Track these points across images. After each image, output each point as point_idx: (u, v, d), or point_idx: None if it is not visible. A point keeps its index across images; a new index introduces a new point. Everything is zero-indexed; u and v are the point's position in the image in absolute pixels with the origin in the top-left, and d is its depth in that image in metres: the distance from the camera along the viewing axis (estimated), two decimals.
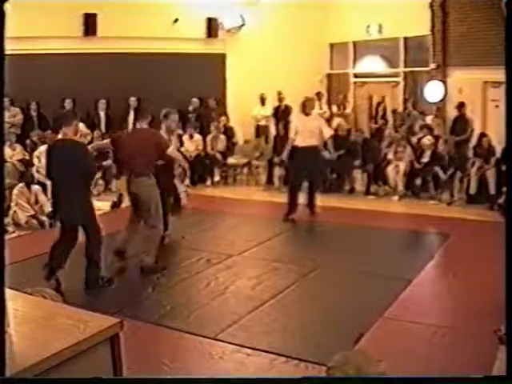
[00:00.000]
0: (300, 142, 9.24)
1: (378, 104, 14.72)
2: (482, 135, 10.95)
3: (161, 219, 7.20)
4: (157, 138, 7.16)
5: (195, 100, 13.53)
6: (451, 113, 12.79)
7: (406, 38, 14.51)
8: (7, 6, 2.20)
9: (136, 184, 7.02)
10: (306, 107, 9.44)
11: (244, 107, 14.00)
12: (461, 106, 12.29)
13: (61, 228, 6.48)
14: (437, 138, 11.43)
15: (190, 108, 13.49)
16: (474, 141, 11.49)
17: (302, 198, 9.45)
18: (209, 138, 13.11)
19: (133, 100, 12.62)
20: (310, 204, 9.48)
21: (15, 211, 9.30)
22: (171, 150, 7.18)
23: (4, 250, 2.22)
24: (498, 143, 10.22)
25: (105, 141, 8.71)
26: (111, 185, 11.83)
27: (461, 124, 12.11)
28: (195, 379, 2.02)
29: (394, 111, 13.91)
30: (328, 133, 9.71)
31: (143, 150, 6.89)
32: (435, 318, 5.76)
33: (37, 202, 9.49)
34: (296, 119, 9.83)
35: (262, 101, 14.16)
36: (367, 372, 1.67)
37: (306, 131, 9.21)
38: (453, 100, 12.90)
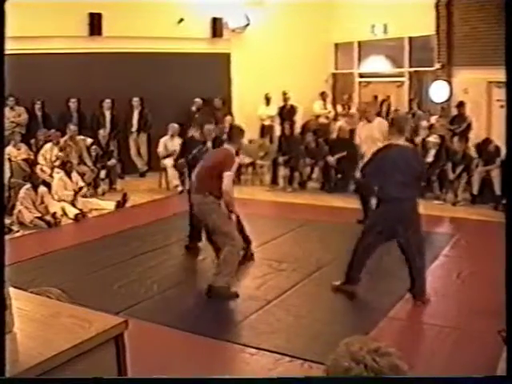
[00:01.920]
0: (367, 150, 8.51)
1: (382, 101, 14.72)
2: (487, 140, 10.95)
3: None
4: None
5: (198, 100, 13.52)
6: (456, 113, 12.78)
7: (410, 38, 14.49)
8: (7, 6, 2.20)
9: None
10: (366, 113, 9.19)
11: (249, 107, 14.00)
12: (460, 105, 12.35)
13: None
14: (442, 137, 11.42)
15: (193, 108, 13.50)
16: (472, 138, 11.56)
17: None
18: None
19: (136, 100, 12.63)
20: None
21: (20, 210, 9.32)
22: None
23: (4, 250, 2.21)
24: (503, 144, 10.20)
25: None
26: (116, 184, 11.85)
27: (459, 122, 12.18)
28: (199, 379, 2.02)
29: (396, 111, 13.87)
30: None
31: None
32: (439, 318, 5.75)
33: (42, 202, 9.51)
34: (358, 128, 9.42)
35: (267, 100, 14.16)
36: (372, 365, 1.66)
37: (369, 140, 8.70)
38: (458, 100, 12.88)
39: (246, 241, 7.51)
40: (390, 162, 5.91)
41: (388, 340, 5.09)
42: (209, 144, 8.02)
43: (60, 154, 10.84)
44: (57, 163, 10.69)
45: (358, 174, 6.51)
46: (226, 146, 6.53)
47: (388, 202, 5.96)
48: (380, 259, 6.99)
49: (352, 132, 12.49)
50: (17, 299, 2.39)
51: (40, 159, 10.85)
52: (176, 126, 12.03)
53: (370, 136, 8.78)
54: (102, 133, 11.92)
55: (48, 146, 11.01)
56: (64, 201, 9.92)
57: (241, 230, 7.41)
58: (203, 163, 6.50)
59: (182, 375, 4.60)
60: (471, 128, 12.11)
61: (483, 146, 10.87)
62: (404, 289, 6.37)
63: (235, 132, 6.66)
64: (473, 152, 11.05)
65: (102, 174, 11.59)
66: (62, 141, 11.19)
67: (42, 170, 10.59)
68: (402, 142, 6.10)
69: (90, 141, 11.61)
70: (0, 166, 2.55)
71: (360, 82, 15.79)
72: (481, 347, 4.80)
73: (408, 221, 5.96)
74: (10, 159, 10.40)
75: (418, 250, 6.03)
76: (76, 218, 9.70)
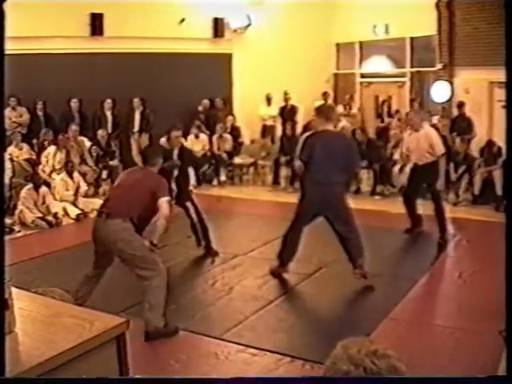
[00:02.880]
0: (415, 161, 8.55)
1: (383, 102, 14.71)
2: (490, 143, 10.96)
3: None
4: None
5: (206, 101, 13.56)
6: (456, 113, 12.79)
7: (412, 38, 14.47)
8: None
9: None
10: (411, 121, 8.68)
11: (250, 107, 14.01)
12: (461, 105, 12.36)
13: None
14: (444, 138, 11.42)
15: (200, 108, 13.51)
16: (475, 141, 11.55)
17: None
18: (215, 137, 13.13)
19: (136, 101, 12.63)
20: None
21: (21, 210, 9.33)
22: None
23: (4, 250, 2.22)
24: (504, 144, 10.20)
25: None
26: None
27: (460, 123, 12.18)
28: (200, 379, 2.02)
29: (397, 111, 13.87)
30: (440, 150, 8.37)
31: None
32: (441, 318, 5.76)
33: (43, 202, 9.52)
34: (405, 138, 9.04)
35: (268, 101, 14.17)
36: (371, 368, 1.66)
37: (417, 151, 8.43)
38: (459, 100, 12.88)
39: (207, 237, 7.81)
40: (320, 146, 6.34)
41: (389, 340, 5.10)
42: (175, 153, 7.79)
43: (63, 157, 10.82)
44: (58, 166, 10.67)
45: (296, 162, 6.65)
46: (147, 167, 5.82)
47: (315, 185, 6.42)
48: (381, 260, 7.01)
49: (354, 132, 12.51)
50: (18, 299, 2.40)
51: (43, 160, 10.84)
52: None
53: (418, 147, 8.37)
54: (101, 133, 11.91)
55: (52, 148, 10.96)
56: (65, 201, 9.93)
57: (201, 222, 7.80)
58: (129, 184, 5.68)
59: (182, 375, 4.62)
60: (474, 130, 12.09)
61: (486, 147, 10.89)
62: (405, 289, 6.38)
63: (151, 152, 6.14)
64: (475, 152, 11.06)
65: (104, 174, 11.59)
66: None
67: (42, 170, 10.59)
68: (330, 127, 6.59)
69: (88, 144, 11.58)
70: (0, 168, 2.55)
71: (361, 83, 15.77)
72: (482, 347, 4.80)
73: (334, 204, 6.51)
74: (11, 159, 10.42)
75: (344, 223, 6.49)
76: (77, 218, 9.71)
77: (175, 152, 7.76)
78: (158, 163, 5.88)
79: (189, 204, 7.80)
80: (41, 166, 10.68)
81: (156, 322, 5.28)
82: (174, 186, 7.58)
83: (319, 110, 6.81)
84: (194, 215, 7.81)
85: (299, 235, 6.81)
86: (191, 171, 7.97)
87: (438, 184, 8.31)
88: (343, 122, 13.29)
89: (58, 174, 10.39)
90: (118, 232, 5.31)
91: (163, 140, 7.86)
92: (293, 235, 6.79)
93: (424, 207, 8.71)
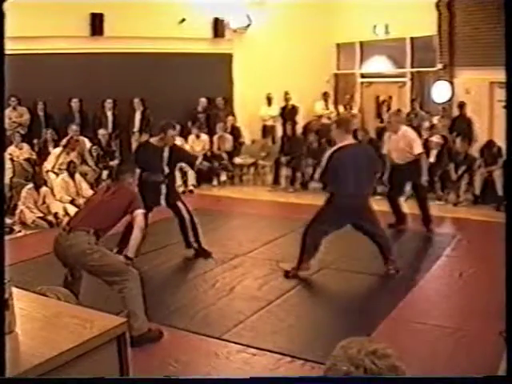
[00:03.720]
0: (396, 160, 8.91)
1: (383, 102, 14.72)
2: (491, 142, 10.96)
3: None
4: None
5: (203, 100, 13.56)
6: (457, 113, 12.79)
7: (412, 38, 14.46)
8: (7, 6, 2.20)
9: None
10: (390, 124, 9.03)
11: (251, 107, 14.01)
12: (461, 105, 12.36)
13: None
14: (445, 138, 11.43)
15: (199, 108, 13.51)
16: (478, 140, 11.56)
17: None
18: (215, 137, 13.13)
19: (137, 101, 12.63)
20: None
21: (22, 210, 9.33)
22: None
23: (4, 250, 2.22)
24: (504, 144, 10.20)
25: None
26: None
27: (460, 123, 12.18)
28: (201, 379, 2.02)
29: (398, 111, 13.86)
30: (419, 149, 8.78)
31: None
32: (441, 318, 5.75)
33: (44, 202, 9.52)
34: (385, 139, 9.46)
35: (269, 101, 14.17)
36: (371, 368, 1.66)
37: (396, 151, 8.85)
38: (460, 100, 12.88)
39: (198, 240, 7.72)
40: (344, 163, 6.50)
41: (389, 341, 5.09)
42: (165, 151, 7.47)
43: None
44: (58, 167, 10.67)
45: (318, 173, 7.02)
46: (119, 183, 5.86)
47: (343, 198, 6.52)
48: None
49: (355, 132, 12.51)
50: (19, 299, 2.40)
51: (49, 159, 10.84)
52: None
53: (397, 148, 8.78)
54: (102, 132, 11.91)
55: (57, 150, 10.94)
56: (66, 201, 9.92)
57: (193, 228, 7.67)
58: (100, 200, 5.68)
59: (182, 375, 4.62)
60: (475, 132, 12.10)
61: (486, 147, 10.89)
62: (405, 289, 6.38)
63: (123, 169, 6.15)
64: (475, 153, 11.06)
65: (104, 174, 11.58)
66: (63, 141, 11.19)
67: (46, 171, 10.59)
68: (351, 140, 6.76)
69: (88, 144, 11.58)
70: (0, 168, 2.55)
71: (362, 83, 15.77)
72: (483, 348, 4.80)
73: (364, 212, 6.75)
74: (12, 159, 10.42)
75: (372, 223, 6.82)
76: None
77: (165, 150, 7.48)
78: (128, 179, 5.91)
79: (180, 204, 7.71)
80: (45, 164, 10.66)
81: (140, 328, 5.16)
82: (163, 187, 7.50)
83: (339, 123, 6.95)
84: (186, 215, 7.68)
85: (321, 238, 6.87)
86: (189, 170, 7.88)
87: (423, 180, 8.78)
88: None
89: (57, 174, 10.37)
90: (80, 244, 5.24)
91: (155, 138, 7.65)
92: (315, 238, 6.82)
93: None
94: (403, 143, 8.62)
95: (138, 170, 6.98)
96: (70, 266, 5.48)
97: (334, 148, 6.75)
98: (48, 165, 10.70)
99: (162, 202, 7.54)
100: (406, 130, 8.86)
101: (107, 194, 5.71)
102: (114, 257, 5.40)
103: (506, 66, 2.30)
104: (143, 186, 7.00)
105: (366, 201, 6.79)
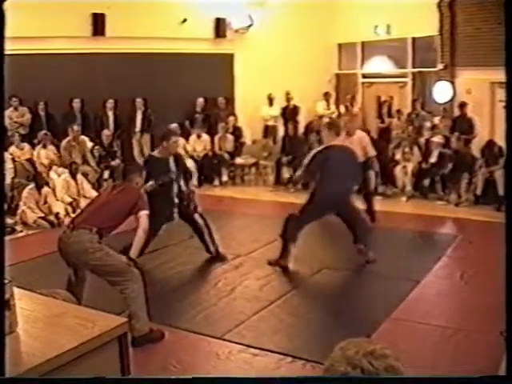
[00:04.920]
0: None
1: (384, 102, 14.72)
2: (491, 142, 10.95)
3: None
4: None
5: (200, 100, 13.54)
6: (458, 113, 12.78)
7: (414, 39, 14.46)
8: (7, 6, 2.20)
9: None
10: (347, 127, 9.04)
11: (252, 107, 14.01)
12: (462, 105, 12.36)
13: None
14: (446, 138, 11.43)
15: (198, 108, 13.51)
16: (476, 142, 11.55)
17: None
18: (217, 137, 13.14)
19: (139, 101, 12.64)
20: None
21: (23, 210, 9.34)
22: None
23: (4, 250, 2.23)
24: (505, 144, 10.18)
25: None
26: None
27: (461, 123, 12.17)
28: (200, 379, 2.02)
29: (398, 111, 13.87)
30: (371, 152, 9.17)
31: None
32: (442, 318, 5.75)
33: (45, 202, 9.52)
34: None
35: (270, 101, 14.17)
36: (369, 369, 1.67)
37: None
38: (461, 100, 12.87)
39: (214, 243, 7.64)
40: (332, 159, 6.94)
41: (390, 341, 5.10)
42: (171, 161, 7.19)
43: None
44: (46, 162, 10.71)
45: (300, 171, 7.45)
46: (126, 183, 5.82)
47: (325, 195, 6.94)
48: (382, 260, 7.01)
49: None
50: (20, 299, 2.41)
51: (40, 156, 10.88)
52: (176, 126, 12.06)
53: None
54: (106, 132, 11.91)
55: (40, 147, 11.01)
56: (67, 201, 9.93)
57: (209, 233, 7.59)
58: (105, 199, 5.68)
59: (183, 375, 4.62)
60: (475, 130, 12.09)
61: (487, 147, 10.89)
62: (406, 290, 6.38)
63: (131, 168, 6.10)
64: (476, 153, 11.05)
65: (106, 174, 11.58)
66: (64, 141, 11.21)
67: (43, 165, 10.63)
68: (338, 142, 7.27)
69: (90, 144, 11.58)
70: (0, 168, 2.56)
71: (363, 83, 15.76)
72: (483, 348, 4.80)
73: (345, 203, 7.18)
74: (13, 159, 10.43)
75: (351, 212, 7.26)
76: None
77: (171, 160, 7.18)
78: (136, 179, 5.87)
79: (197, 216, 7.49)
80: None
81: (141, 329, 5.18)
82: (176, 200, 7.20)
83: (330, 125, 7.47)
84: (204, 229, 7.53)
85: (300, 229, 7.23)
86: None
87: (371, 182, 9.22)
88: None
89: (59, 174, 10.39)
90: (82, 242, 5.24)
91: (157, 150, 7.30)
92: (294, 228, 7.18)
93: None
94: (358, 145, 8.83)
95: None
96: (73, 264, 5.47)
97: (319, 148, 7.25)
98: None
99: (175, 215, 7.27)
100: (361, 133, 9.38)
101: (113, 193, 5.72)
102: (117, 257, 5.40)
103: (506, 65, 2.31)
104: (154, 200, 6.41)
105: (346, 196, 7.21)
